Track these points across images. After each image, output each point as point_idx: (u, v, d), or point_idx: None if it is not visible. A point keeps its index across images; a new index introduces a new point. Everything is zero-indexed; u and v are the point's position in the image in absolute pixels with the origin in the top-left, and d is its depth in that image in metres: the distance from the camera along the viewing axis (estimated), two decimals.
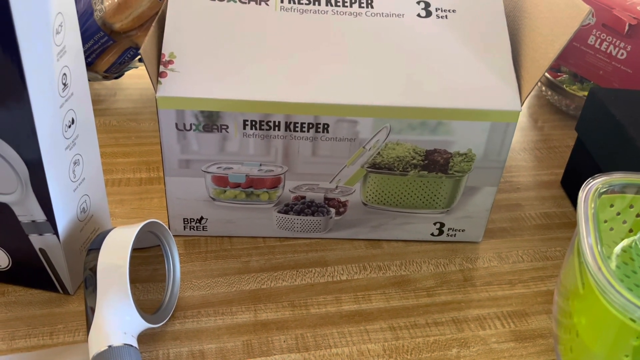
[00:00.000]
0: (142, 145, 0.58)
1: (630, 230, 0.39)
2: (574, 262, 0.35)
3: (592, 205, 0.35)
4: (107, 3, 0.55)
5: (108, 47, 0.57)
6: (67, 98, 0.35)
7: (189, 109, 0.40)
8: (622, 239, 0.39)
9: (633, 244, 0.39)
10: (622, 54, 0.62)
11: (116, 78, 0.63)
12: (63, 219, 0.38)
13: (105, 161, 0.55)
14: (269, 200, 0.45)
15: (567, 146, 0.63)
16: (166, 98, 0.40)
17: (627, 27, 0.61)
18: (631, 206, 0.39)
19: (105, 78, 0.61)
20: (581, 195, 0.36)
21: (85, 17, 0.56)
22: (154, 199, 0.51)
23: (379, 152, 0.43)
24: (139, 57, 0.60)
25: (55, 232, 0.37)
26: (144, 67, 0.66)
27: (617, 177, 0.38)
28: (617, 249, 0.39)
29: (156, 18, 0.42)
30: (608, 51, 0.63)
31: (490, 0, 0.46)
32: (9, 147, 0.34)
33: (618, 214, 0.39)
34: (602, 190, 0.37)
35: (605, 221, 0.39)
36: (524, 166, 0.59)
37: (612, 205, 0.39)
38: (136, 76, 0.69)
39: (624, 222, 0.39)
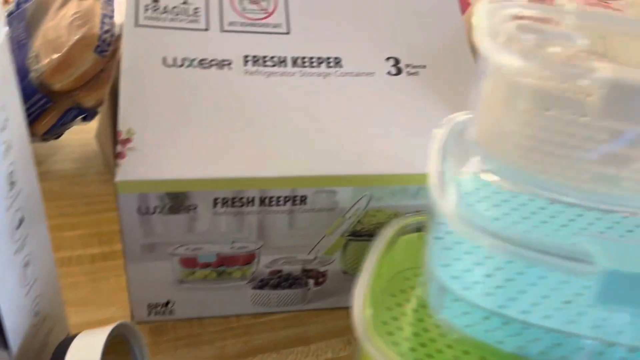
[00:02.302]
0: (91, 213, 0.53)
1: None
2: None
3: None
4: (45, 62, 0.50)
5: (47, 109, 0.52)
6: (14, 198, 0.31)
7: (153, 192, 0.36)
8: None
9: None
10: None
11: (56, 139, 0.58)
12: (15, 332, 0.33)
13: (51, 236, 0.50)
14: (242, 277, 0.42)
15: None
16: (127, 182, 0.36)
17: None
18: None
19: (44, 140, 0.56)
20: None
21: (20, 78, 0.51)
22: (110, 279, 0.46)
23: (359, 220, 0.41)
24: (82, 116, 0.55)
25: (7, 348, 0.33)
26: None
27: None
28: None
29: (108, 89, 0.38)
30: None
31: (459, 55, 0.44)
32: None
33: None
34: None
35: None
36: None
37: None
38: (76, 131, 0.63)
39: None
